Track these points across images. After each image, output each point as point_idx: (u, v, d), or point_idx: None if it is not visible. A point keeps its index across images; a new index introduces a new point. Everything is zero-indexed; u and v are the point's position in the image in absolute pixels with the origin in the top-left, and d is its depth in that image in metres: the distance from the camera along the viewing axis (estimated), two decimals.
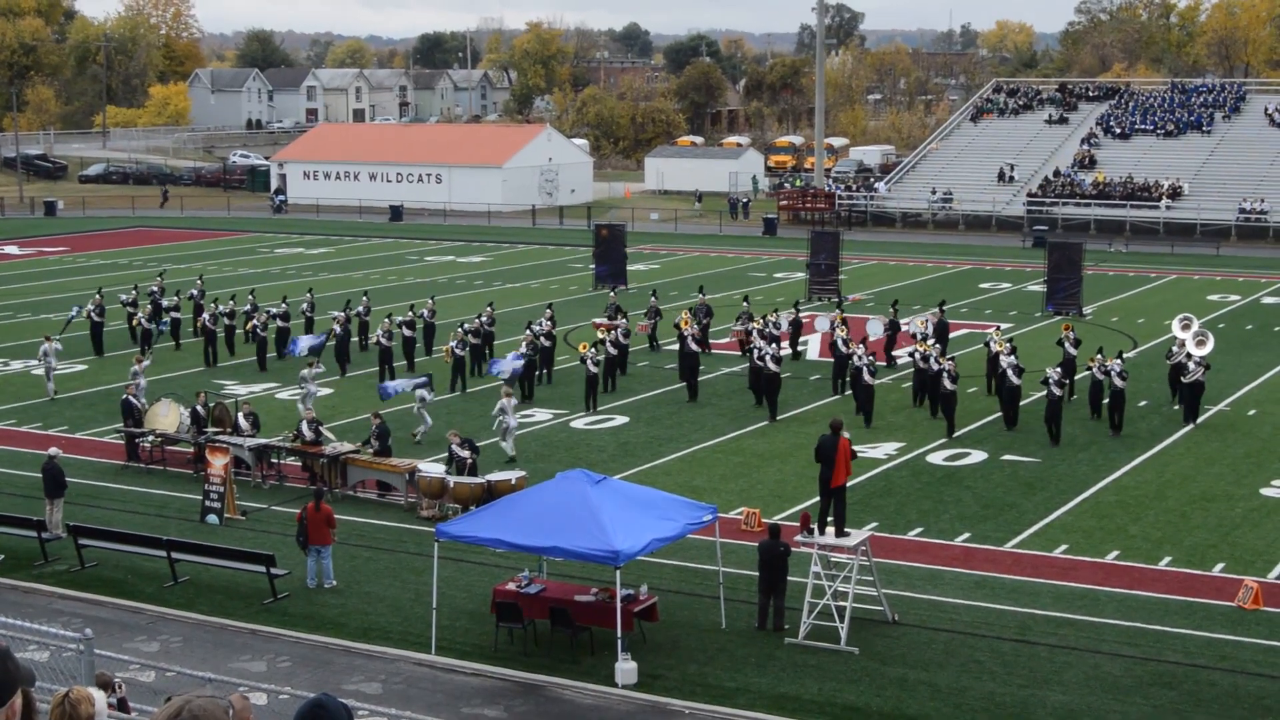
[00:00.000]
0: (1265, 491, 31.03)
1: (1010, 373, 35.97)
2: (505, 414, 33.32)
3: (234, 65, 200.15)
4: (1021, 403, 36.66)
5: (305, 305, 48.51)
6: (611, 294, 52.84)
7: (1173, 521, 29.02)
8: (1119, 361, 36.13)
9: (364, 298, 49.32)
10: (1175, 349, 38.91)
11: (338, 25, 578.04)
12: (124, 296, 49.99)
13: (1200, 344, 38.31)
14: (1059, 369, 36.23)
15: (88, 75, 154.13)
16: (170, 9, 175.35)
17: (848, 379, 39.07)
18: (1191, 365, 36.97)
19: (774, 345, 39.21)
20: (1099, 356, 36.85)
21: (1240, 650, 22.40)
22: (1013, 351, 37.03)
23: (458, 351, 40.74)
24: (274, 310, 46.40)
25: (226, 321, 46.57)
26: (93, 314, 47.11)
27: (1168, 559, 26.70)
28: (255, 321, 45.05)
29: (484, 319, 44.29)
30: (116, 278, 59.92)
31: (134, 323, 47.38)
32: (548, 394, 40.19)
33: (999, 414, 37.00)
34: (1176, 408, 37.71)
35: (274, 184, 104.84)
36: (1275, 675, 21.50)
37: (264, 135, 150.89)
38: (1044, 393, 35.47)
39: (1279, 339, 48.69)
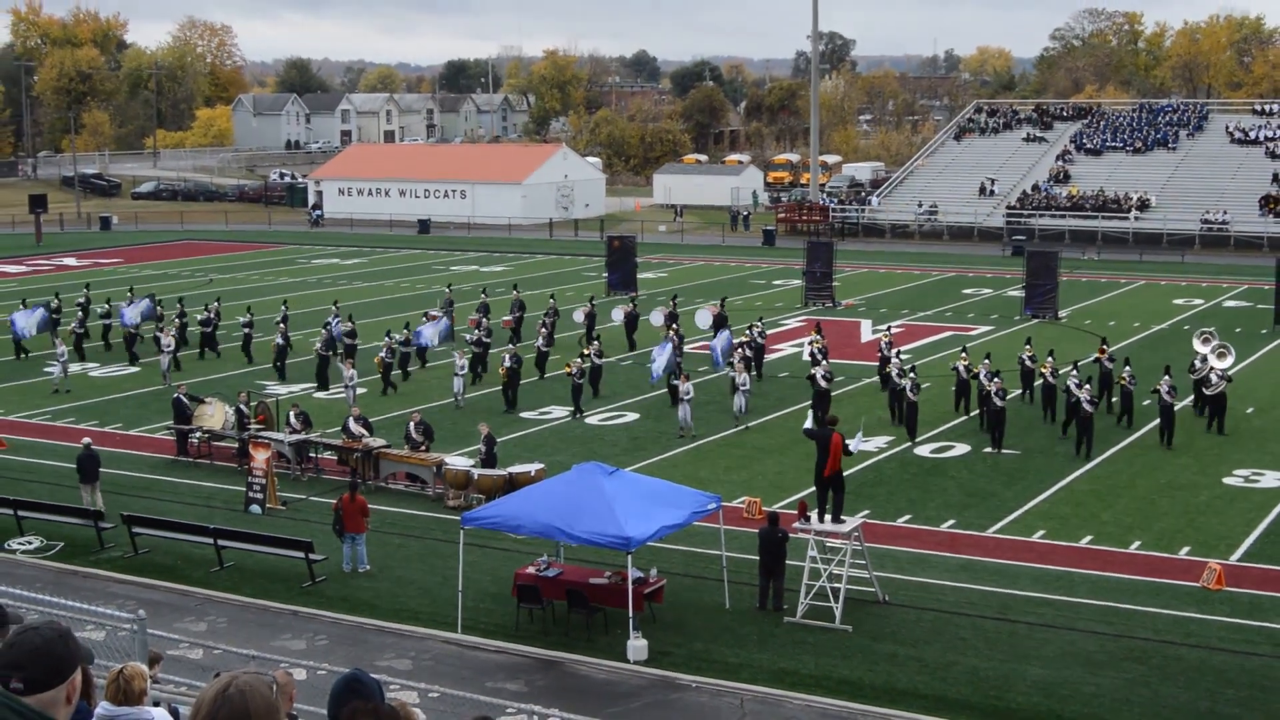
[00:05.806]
0: (1227, 480, 30.95)
1: (1072, 387, 34.24)
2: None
3: (274, 91, 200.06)
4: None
5: (348, 328, 46.05)
6: (671, 301, 48.19)
7: (1142, 508, 28.95)
8: (1168, 378, 34.30)
9: (447, 290, 46.97)
10: (1198, 364, 37.43)
11: (368, 54, 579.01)
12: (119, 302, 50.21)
13: (1221, 356, 37.31)
14: (1088, 384, 34.43)
15: (139, 100, 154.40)
16: (215, 39, 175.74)
17: (902, 404, 35.96)
18: (1214, 378, 35.94)
19: (824, 362, 38.15)
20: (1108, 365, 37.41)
21: (1205, 628, 22.34)
22: (1071, 368, 35.49)
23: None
24: (243, 320, 46.10)
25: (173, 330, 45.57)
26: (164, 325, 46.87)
27: (1137, 543, 26.65)
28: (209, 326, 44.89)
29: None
30: (167, 286, 59.90)
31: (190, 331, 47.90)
32: (566, 392, 40.03)
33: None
34: (1205, 428, 36.01)
35: (311, 200, 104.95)
36: (1238, 650, 21.43)
37: (302, 155, 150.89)
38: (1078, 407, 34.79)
39: (1240, 340, 48.47)
